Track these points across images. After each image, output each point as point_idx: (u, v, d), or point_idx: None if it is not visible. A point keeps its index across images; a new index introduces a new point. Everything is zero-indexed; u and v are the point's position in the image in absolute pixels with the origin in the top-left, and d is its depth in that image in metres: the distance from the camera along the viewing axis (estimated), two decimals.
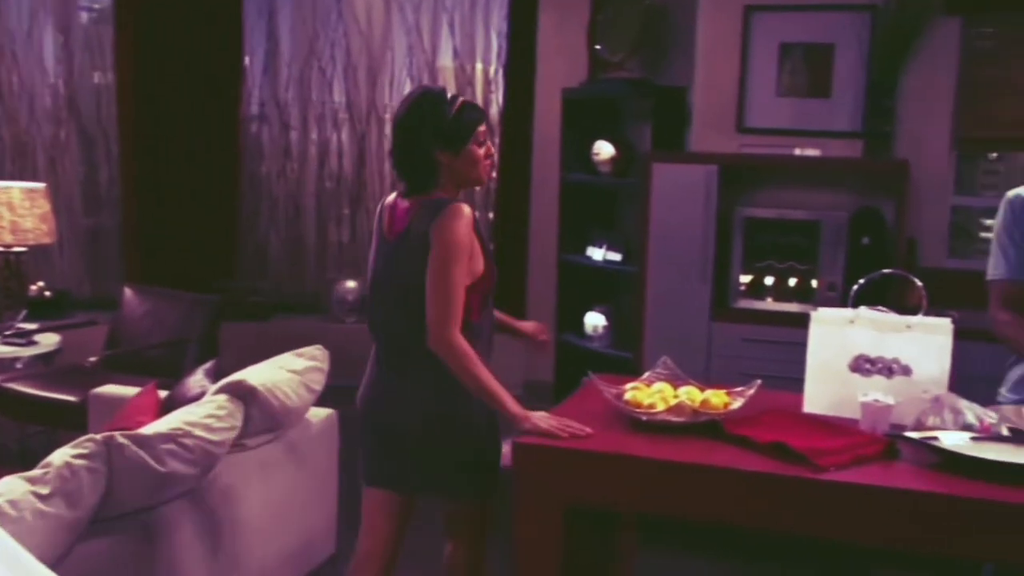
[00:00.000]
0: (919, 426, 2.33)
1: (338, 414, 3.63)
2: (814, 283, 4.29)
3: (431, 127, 2.49)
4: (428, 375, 2.51)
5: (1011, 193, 2.75)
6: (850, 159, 4.50)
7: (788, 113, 4.61)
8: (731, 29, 4.66)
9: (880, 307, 2.64)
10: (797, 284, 4.33)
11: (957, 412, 2.34)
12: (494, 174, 2.63)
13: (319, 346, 3.48)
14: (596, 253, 5.23)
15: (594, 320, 5.23)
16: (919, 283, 2.66)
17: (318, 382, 3.35)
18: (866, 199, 4.44)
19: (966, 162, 4.86)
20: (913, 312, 2.63)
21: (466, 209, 2.48)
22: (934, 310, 4.30)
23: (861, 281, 2.65)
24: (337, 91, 6.41)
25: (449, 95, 2.54)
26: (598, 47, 5.22)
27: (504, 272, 6.08)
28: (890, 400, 2.38)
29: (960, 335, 3.63)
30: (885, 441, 2.26)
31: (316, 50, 6.32)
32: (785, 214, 4.34)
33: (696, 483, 2.18)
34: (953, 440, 2.22)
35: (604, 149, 5.10)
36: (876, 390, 2.47)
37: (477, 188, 2.75)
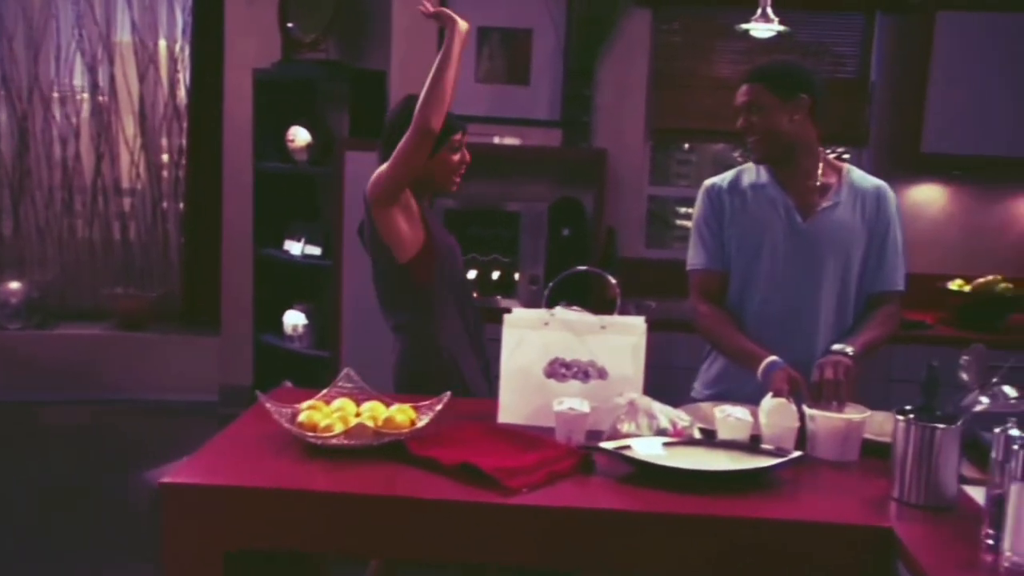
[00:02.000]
0: (614, 433, 2.21)
1: None
2: (517, 276, 4.18)
3: (407, 129, 2.56)
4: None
5: (708, 183, 2.72)
6: (549, 148, 4.43)
7: (487, 100, 4.47)
8: None
9: (575, 306, 2.50)
10: (500, 278, 4.20)
11: (651, 416, 2.24)
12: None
13: None
14: (294, 247, 4.88)
15: (294, 319, 4.88)
16: (613, 280, 2.55)
17: None
18: (566, 189, 4.39)
19: (660, 152, 4.95)
20: (614, 305, 2.52)
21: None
22: (633, 301, 4.35)
23: (551, 283, 2.48)
24: None
25: None
26: (290, 25, 4.84)
27: (195, 268, 5.68)
28: (585, 408, 2.23)
29: (659, 326, 3.65)
30: (580, 453, 2.11)
31: None
32: (485, 206, 4.19)
33: (377, 517, 1.92)
34: (646, 448, 2.10)
35: (299, 135, 4.76)
36: (572, 395, 2.32)
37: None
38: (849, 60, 4.52)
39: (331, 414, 2.18)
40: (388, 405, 2.27)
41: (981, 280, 4.07)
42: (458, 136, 2.69)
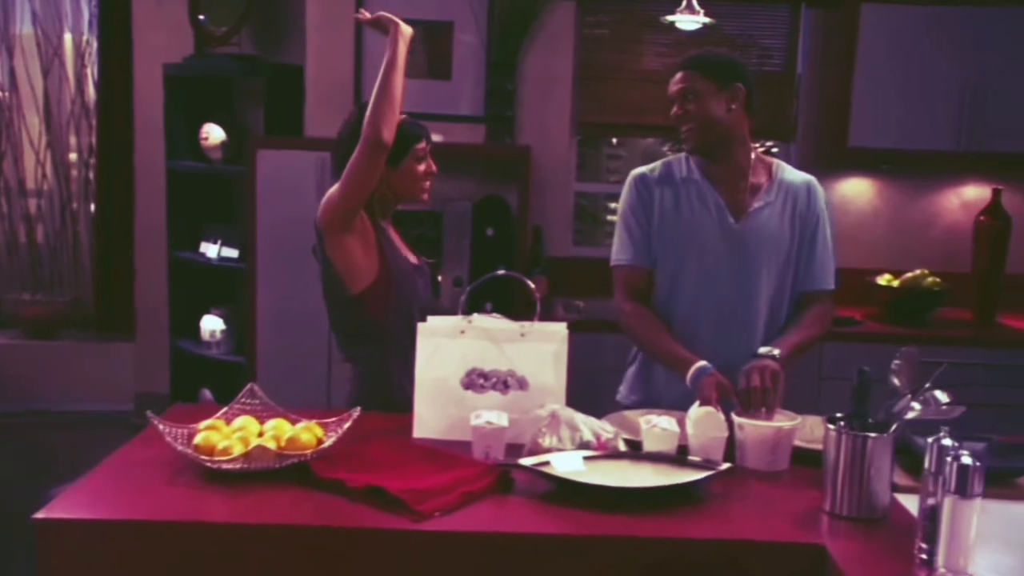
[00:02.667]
0: (535, 447, 2.09)
1: None
2: (440, 278, 4.04)
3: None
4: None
5: (636, 172, 2.60)
6: (472, 145, 4.30)
7: (408, 95, 4.27)
8: (343, 2, 4.29)
9: (494, 313, 2.38)
10: None
11: (574, 428, 2.13)
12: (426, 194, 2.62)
13: None
14: (210, 249, 4.68)
15: (211, 324, 4.68)
16: (532, 284, 2.42)
17: None
18: (490, 187, 4.26)
19: (589, 148, 4.85)
20: (535, 309, 2.39)
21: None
22: (561, 300, 4.24)
23: (468, 288, 2.35)
24: None
25: None
26: (201, 18, 4.63)
27: (107, 272, 5.43)
28: (504, 421, 2.11)
29: (587, 326, 3.56)
30: (498, 471, 1.98)
31: None
32: (406, 205, 4.02)
33: (277, 547, 1.77)
34: (566, 464, 1.98)
35: (213, 133, 4.56)
36: (491, 407, 2.20)
37: None
38: (775, 53, 4.47)
39: (231, 435, 2.03)
40: (294, 422, 2.12)
41: (909, 275, 4.05)
42: (422, 145, 2.53)
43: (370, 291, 2.49)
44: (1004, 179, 4.26)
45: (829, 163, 4.24)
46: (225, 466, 1.93)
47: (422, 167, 2.54)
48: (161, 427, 2.01)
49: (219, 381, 4.71)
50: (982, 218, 4.15)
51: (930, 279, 4.01)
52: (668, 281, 2.54)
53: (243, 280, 4.39)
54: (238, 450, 1.95)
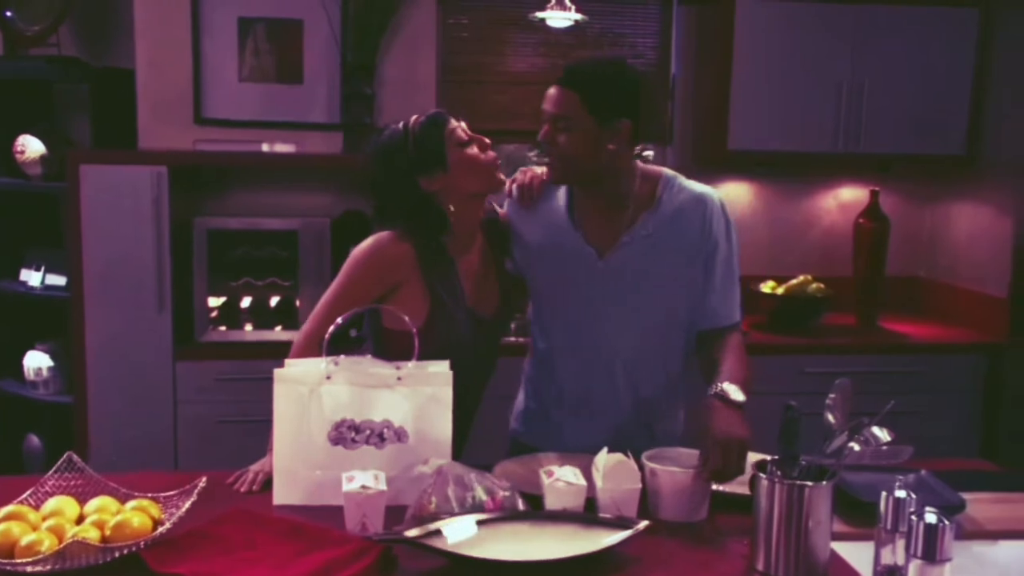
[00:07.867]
0: (420, 512, 1.77)
1: None
2: (299, 303, 3.65)
3: (397, 160, 2.04)
4: None
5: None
6: (329, 155, 3.92)
7: (255, 102, 3.91)
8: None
9: (367, 354, 2.05)
10: (279, 305, 3.66)
11: (465, 487, 1.81)
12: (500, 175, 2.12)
13: None
14: (32, 277, 4.15)
15: (36, 361, 4.14)
16: (406, 317, 2.09)
17: None
18: (350, 201, 3.90)
19: None
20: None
21: (390, 241, 2.05)
22: None
23: (330, 328, 2.00)
24: None
25: (400, 123, 2.09)
26: (9, 15, 4.09)
27: None
28: (382, 484, 1.78)
29: None
30: (377, 547, 1.65)
31: None
32: (256, 223, 3.63)
33: None
34: (457, 532, 1.67)
35: (30, 145, 4.03)
36: (366, 466, 1.88)
37: None
38: (647, 52, 4.26)
39: (40, 524, 1.63)
40: (125, 499, 1.74)
41: (794, 281, 3.91)
42: (451, 126, 2.05)
43: (399, 334, 2.02)
44: (881, 180, 4.18)
45: (708, 167, 4.05)
46: (31, 568, 1.53)
47: (472, 150, 2.07)
48: None
49: (48, 425, 4.19)
50: (861, 220, 4.05)
51: (814, 285, 3.89)
52: (537, 326, 2.27)
53: (71, 311, 3.90)
54: (48, 545, 1.56)
